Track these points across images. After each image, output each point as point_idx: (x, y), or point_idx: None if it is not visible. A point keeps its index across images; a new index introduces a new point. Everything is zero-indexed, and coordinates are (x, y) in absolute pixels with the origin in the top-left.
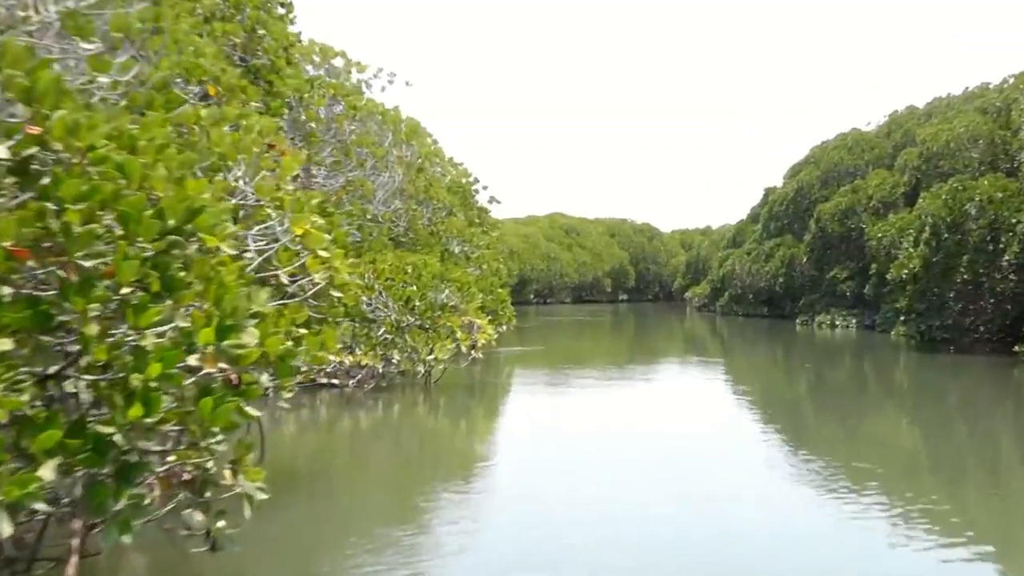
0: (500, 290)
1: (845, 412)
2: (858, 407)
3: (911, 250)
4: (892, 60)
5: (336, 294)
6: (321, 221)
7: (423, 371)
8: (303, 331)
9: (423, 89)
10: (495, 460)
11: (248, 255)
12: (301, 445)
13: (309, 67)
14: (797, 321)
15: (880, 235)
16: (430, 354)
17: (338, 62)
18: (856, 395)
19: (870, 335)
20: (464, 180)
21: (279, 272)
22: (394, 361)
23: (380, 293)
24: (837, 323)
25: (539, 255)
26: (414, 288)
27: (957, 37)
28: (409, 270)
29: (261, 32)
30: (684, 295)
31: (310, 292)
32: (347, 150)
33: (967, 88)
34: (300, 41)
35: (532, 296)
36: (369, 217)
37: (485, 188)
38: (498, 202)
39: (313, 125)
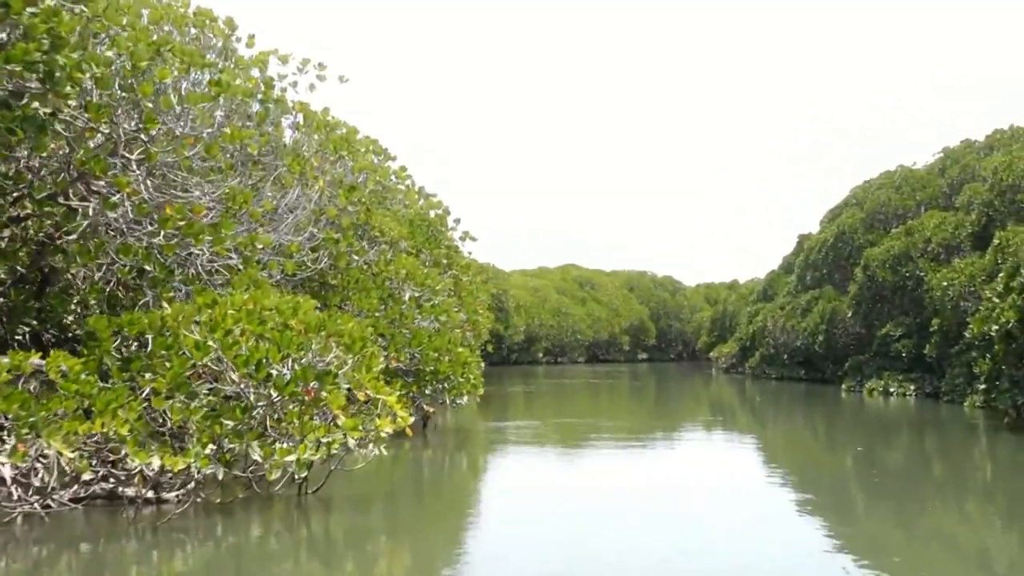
0: (460, 350)
1: (907, 502)
2: (928, 504)
3: (997, 301)
4: (935, 99)
5: None
6: None
7: (275, 476)
8: None
9: (435, 133)
10: None
11: None
12: None
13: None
14: (843, 387)
15: (945, 284)
16: (289, 454)
17: (243, 49)
18: (928, 489)
19: (934, 406)
20: (434, 213)
21: None
22: (257, 460)
23: (218, 354)
24: (891, 390)
25: (549, 310)
26: (272, 346)
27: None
28: (275, 318)
29: None
30: (709, 354)
31: None
32: (210, 147)
33: None
34: None
35: (541, 355)
36: (261, 246)
37: (458, 222)
38: (473, 239)
39: (151, 104)
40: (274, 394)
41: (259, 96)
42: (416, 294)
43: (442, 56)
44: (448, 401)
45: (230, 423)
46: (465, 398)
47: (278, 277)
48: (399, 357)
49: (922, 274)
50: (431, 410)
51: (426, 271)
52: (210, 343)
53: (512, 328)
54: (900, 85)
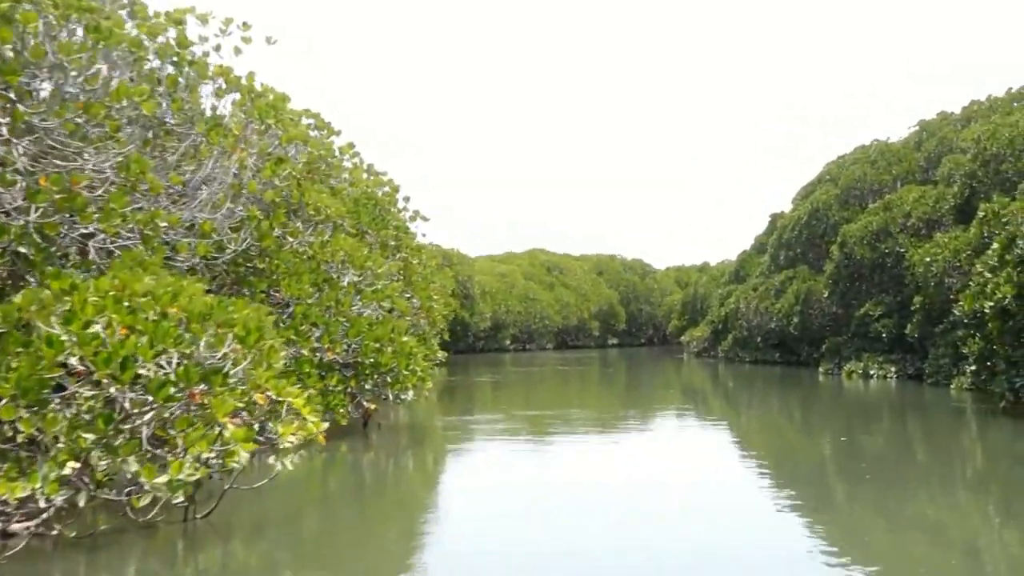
0: (405, 339)
1: (901, 497)
2: (923, 496)
3: (989, 275)
4: (910, 87)
5: None
6: None
7: (144, 502)
8: None
9: (403, 120)
10: None
11: None
12: None
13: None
14: (820, 369)
15: (928, 260)
16: (157, 475)
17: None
18: (927, 481)
19: (917, 388)
20: (382, 192)
21: None
22: (133, 477)
23: (77, 352)
24: (871, 372)
25: (516, 296)
26: (142, 340)
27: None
28: (152, 307)
29: None
30: (680, 338)
31: None
32: (91, 106)
33: (1011, 89)
34: None
35: (509, 342)
36: (165, 225)
37: (407, 200)
38: (424, 219)
39: (12, 55)
40: (149, 399)
41: (173, 59)
42: (356, 278)
43: (418, 47)
44: (391, 396)
45: (90, 436)
46: (411, 392)
47: (195, 261)
48: (335, 348)
49: (902, 250)
50: (373, 407)
51: (367, 253)
52: (64, 338)
53: (478, 315)
54: (875, 72)
